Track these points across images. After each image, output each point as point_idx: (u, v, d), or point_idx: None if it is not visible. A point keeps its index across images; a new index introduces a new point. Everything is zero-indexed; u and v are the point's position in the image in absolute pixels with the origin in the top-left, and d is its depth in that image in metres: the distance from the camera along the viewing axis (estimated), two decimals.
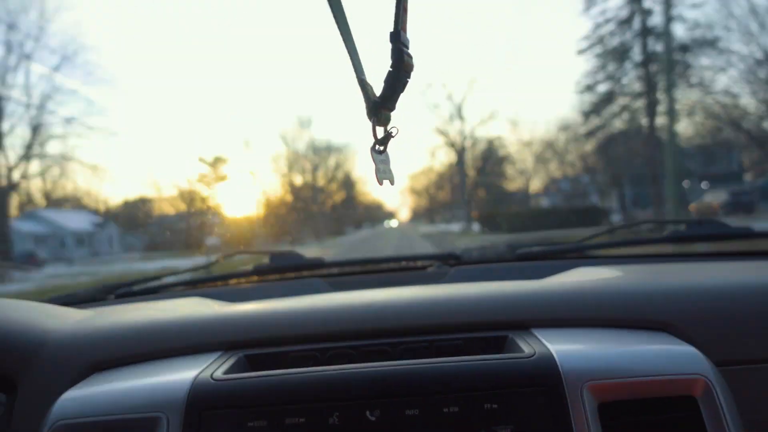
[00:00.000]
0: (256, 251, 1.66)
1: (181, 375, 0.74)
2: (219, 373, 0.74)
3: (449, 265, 1.50)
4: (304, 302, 0.95)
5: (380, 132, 0.67)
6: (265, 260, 1.51)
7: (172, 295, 1.39)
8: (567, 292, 0.90)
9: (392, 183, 0.69)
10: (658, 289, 0.89)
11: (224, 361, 0.79)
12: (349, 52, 0.66)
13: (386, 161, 0.68)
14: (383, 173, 0.67)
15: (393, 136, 0.67)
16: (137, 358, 0.84)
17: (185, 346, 0.84)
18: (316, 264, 1.49)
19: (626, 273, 1.12)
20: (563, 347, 0.73)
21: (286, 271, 1.49)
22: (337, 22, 0.65)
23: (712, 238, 1.43)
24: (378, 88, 0.66)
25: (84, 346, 0.86)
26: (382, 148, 0.67)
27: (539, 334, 0.80)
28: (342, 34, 0.65)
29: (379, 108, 0.65)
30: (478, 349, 0.79)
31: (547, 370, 0.69)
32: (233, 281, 1.49)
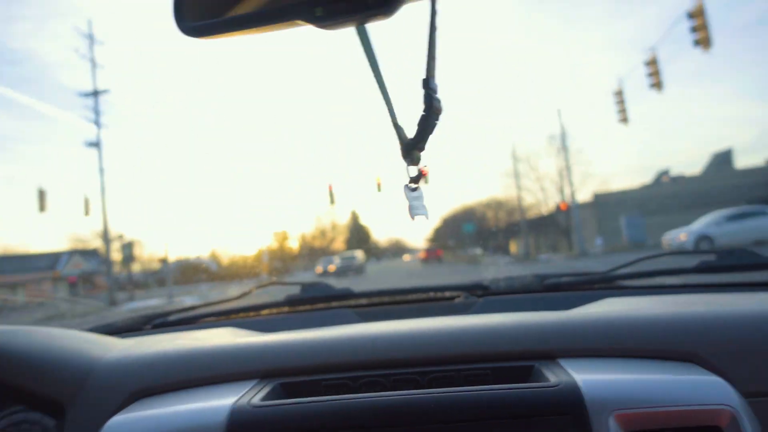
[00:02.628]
0: (287, 282, 1.68)
1: (220, 402, 0.77)
2: (256, 400, 0.76)
3: (477, 295, 1.50)
4: (336, 332, 0.97)
5: (413, 171, 0.70)
6: (297, 291, 1.54)
7: (206, 325, 1.42)
8: (593, 322, 0.91)
9: (427, 218, 0.72)
10: (684, 319, 0.89)
11: (261, 389, 0.81)
12: (384, 99, 0.71)
13: (420, 198, 0.72)
14: (416, 209, 0.71)
15: (426, 175, 0.71)
16: (178, 385, 0.87)
17: (223, 374, 0.88)
18: (345, 295, 1.51)
19: (653, 303, 1.11)
20: (589, 377, 0.74)
21: (316, 302, 1.51)
22: (372, 71, 0.70)
23: (742, 268, 1.40)
24: (409, 132, 0.70)
25: (128, 374, 0.90)
26: (415, 186, 0.71)
27: (565, 364, 0.81)
28: (377, 81, 0.70)
29: (412, 149, 0.69)
30: (505, 379, 0.80)
31: (572, 399, 0.70)
32: (265, 312, 1.52)
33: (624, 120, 18.65)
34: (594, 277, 1.55)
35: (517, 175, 32.62)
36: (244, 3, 0.63)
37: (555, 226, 33.31)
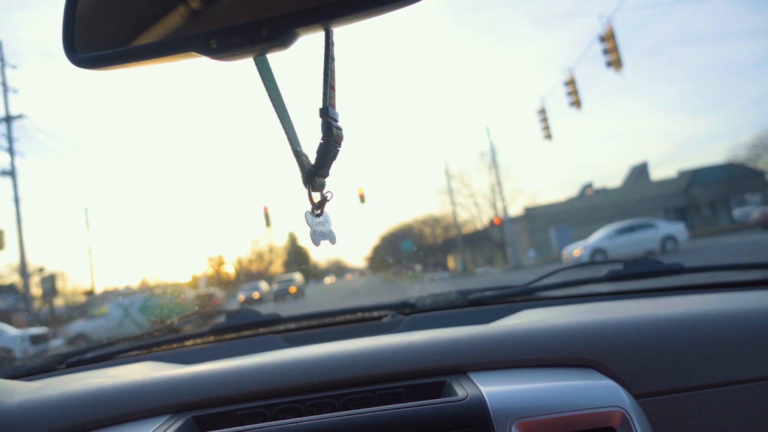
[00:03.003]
0: (211, 311, 1.64)
1: None
2: None
3: (404, 314, 1.52)
4: (254, 360, 0.96)
5: (316, 197, 0.71)
6: (222, 320, 1.50)
7: (125, 361, 1.36)
8: (502, 335, 0.94)
9: (333, 243, 0.73)
10: (584, 327, 0.94)
11: (171, 424, 0.79)
12: (284, 126, 0.71)
13: (325, 223, 0.73)
14: (320, 235, 0.71)
15: (328, 200, 0.72)
16: (87, 426, 0.83)
17: (134, 412, 0.84)
18: (273, 320, 1.49)
19: (562, 314, 1.16)
20: (494, 388, 0.77)
21: (242, 329, 1.48)
22: (272, 99, 0.70)
23: (647, 275, 1.50)
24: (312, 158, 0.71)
25: (32, 420, 0.84)
26: (318, 211, 0.72)
27: (475, 377, 0.83)
28: (277, 110, 0.71)
29: (314, 176, 0.70)
30: (418, 396, 0.82)
31: (477, 412, 0.73)
32: (189, 343, 1.47)
33: (548, 137, 19.74)
34: (514, 290, 1.60)
35: (450, 192, 33.66)
36: (139, 34, 0.63)
37: (490, 240, 34.34)
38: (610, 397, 0.76)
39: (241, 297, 24.90)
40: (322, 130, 0.68)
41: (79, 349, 1.42)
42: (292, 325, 1.53)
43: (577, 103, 16.46)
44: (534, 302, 1.52)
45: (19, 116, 22.07)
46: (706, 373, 0.84)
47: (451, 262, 34.81)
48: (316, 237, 0.71)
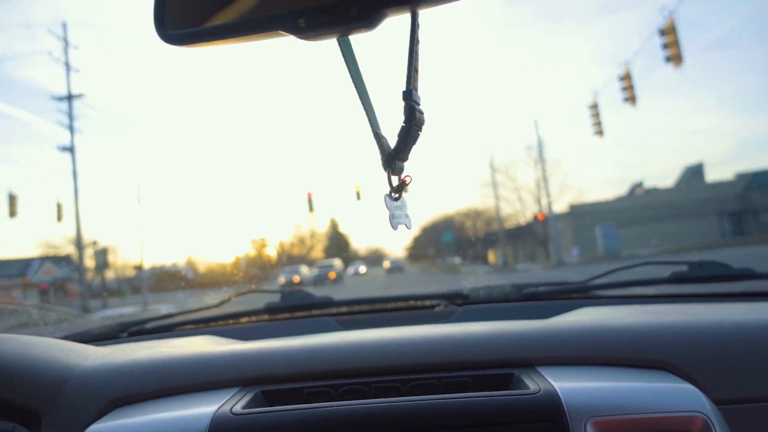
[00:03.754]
0: (267, 290, 1.67)
1: (200, 410, 0.77)
2: (238, 408, 0.76)
3: (457, 304, 1.52)
4: (317, 340, 0.97)
5: (394, 181, 0.71)
6: (276, 299, 1.53)
7: (184, 333, 1.40)
8: (571, 331, 0.92)
9: (408, 227, 0.73)
10: (658, 328, 0.91)
11: (242, 397, 0.81)
12: (365, 109, 0.71)
13: (402, 207, 0.72)
14: (398, 219, 0.71)
15: (407, 184, 0.71)
16: (156, 393, 0.86)
17: (203, 382, 0.87)
18: (326, 303, 1.51)
19: (628, 313, 1.13)
20: (567, 384, 0.76)
21: (296, 310, 1.50)
22: (354, 81, 0.70)
23: (713, 279, 1.44)
24: (392, 141, 0.70)
25: (105, 382, 0.88)
26: (397, 195, 0.71)
27: (544, 372, 0.82)
28: (359, 92, 0.71)
29: (393, 159, 0.69)
30: (485, 387, 0.81)
31: (551, 407, 0.71)
32: (244, 320, 1.50)
33: (599, 132, 19.15)
34: (571, 286, 1.58)
35: (495, 185, 32.98)
36: (227, 12, 0.63)
37: (532, 236, 33.74)
38: (690, 402, 0.73)
39: (282, 280, 24.96)
40: (405, 113, 0.67)
41: (140, 319, 1.48)
42: (344, 309, 1.55)
43: (632, 99, 15.94)
44: (591, 300, 1.49)
45: (80, 95, 23.02)
46: None
47: (492, 257, 34.46)
48: (394, 221, 0.70)
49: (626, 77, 15.98)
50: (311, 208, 23.83)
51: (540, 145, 27.73)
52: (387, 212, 0.70)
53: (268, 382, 0.86)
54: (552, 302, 1.49)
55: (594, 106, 19.07)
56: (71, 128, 22.55)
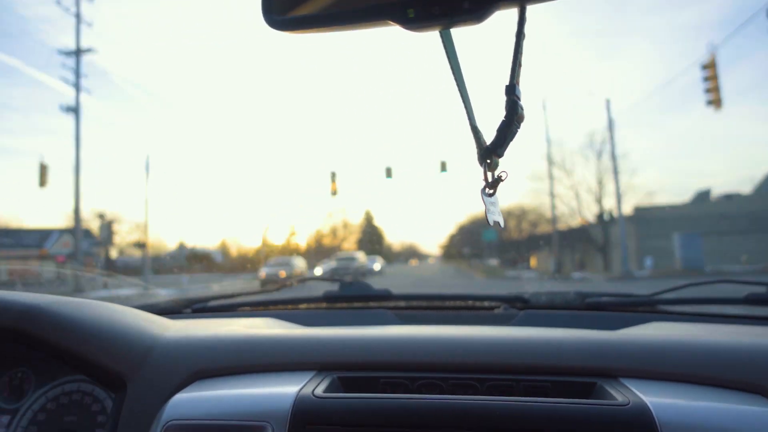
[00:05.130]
0: (326, 278, 1.78)
1: (284, 389, 0.86)
2: (319, 391, 0.85)
3: (517, 308, 1.59)
4: (391, 332, 1.06)
5: (490, 176, 0.75)
6: (335, 288, 1.65)
7: (245, 314, 1.54)
8: (655, 344, 0.97)
9: (501, 226, 0.78)
10: (754, 350, 0.94)
11: (320, 381, 0.90)
12: (463, 101, 0.76)
13: (495, 203, 0.77)
14: (493, 214, 0.76)
15: (503, 180, 0.76)
16: (237, 369, 0.97)
17: (282, 363, 0.97)
18: (384, 296, 1.61)
19: (708, 331, 1.17)
20: (657, 399, 0.80)
21: (354, 300, 1.61)
22: (454, 73, 0.75)
23: None
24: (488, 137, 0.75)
25: (188, 354, 1.00)
26: (492, 191, 0.76)
27: (629, 384, 0.87)
28: (458, 84, 0.75)
29: (491, 154, 0.74)
30: (566, 393, 0.86)
31: (642, 420, 0.75)
32: (303, 306, 1.62)
33: (716, 102, 15.09)
34: (638, 299, 1.62)
35: (551, 178, 30.63)
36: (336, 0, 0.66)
37: (588, 241, 32.20)
38: None
39: (263, 274, 22.62)
40: (506, 107, 0.71)
41: (204, 297, 1.63)
42: (402, 303, 1.63)
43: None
44: (660, 315, 1.52)
45: (89, 50, 22.43)
46: None
47: (534, 261, 33.02)
48: (490, 216, 0.75)
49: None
50: (335, 192, 23.33)
51: (611, 125, 24.88)
52: (484, 207, 0.75)
53: (343, 368, 0.95)
54: (616, 314, 1.55)
55: (710, 65, 15.15)
56: (77, 86, 21.99)
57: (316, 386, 0.87)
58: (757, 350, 0.95)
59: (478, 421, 0.77)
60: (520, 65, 0.72)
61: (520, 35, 0.71)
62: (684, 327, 1.32)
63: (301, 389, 0.86)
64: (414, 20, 0.61)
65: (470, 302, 1.68)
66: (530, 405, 0.79)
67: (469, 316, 1.61)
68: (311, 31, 0.68)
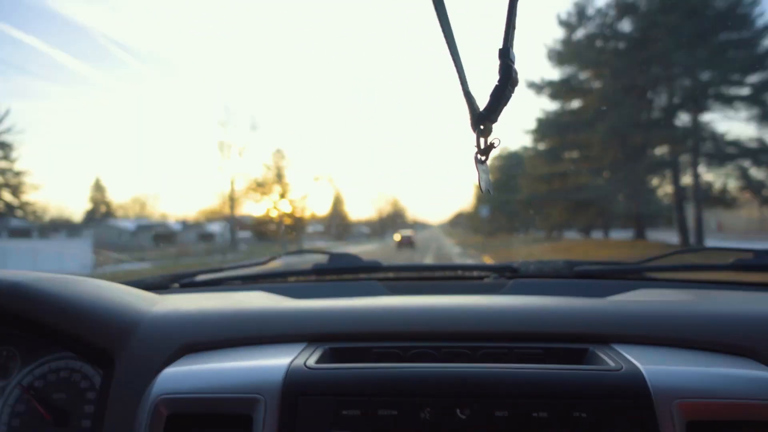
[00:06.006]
0: (315, 250, 1.74)
1: (275, 361, 0.82)
2: (311, 362, 0.81)
3: (506, 277, 1.56)
4: (383, 302, 1.02)
5: (482, 143, 0.72)
6: (323, 260, 1.60)
7: (233, 288, 1.49)
8: (646, 310, 0.95)
9: (491, 192, 0.75)
10: (742, 314, 0.93)
11: (312, 352, 0.86)
12: (456, 66, 0.72)
13: (487, 170, 0.74)
14: (485, 182, 0.73)
15: (495, 147, 0.72)
16: (226, 343, 0.92)
17: (272, 335, 0.93)
18: (373, 267, 1.56)
19: (698, 297, 1.15)
20: (650, 364, 0.78)
21: (344, 273, 1.56)
22: (446, 37, 0.70)
23: None
24: (480, 102, 0.71)
25: (176, 328, 0.95)
26: (484, 158, 0.73)
27: (620, 349, 0.85)
28: (450, 48, 0.71)
29: (484, 119, 0.71)
30: (558, 359, 0.84)
31: (636, 385, 0.74)
32: (292, 278, 1.58)
33: None
34: (625, 267, 1.59)
35: None
36: None
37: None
38: None
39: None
40: (500, 72, 0.68)
41: (191, 271, 1.57)
42: (391, 274, 1.60)
43: None
44: (647, 282, 1.51)
45: None
46: None
47: None
48: (483, 183, 0.72)
49: None
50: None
51: None
52: (476, 174, 0.72)
53: (335, 339, 0.91)
54: (604, 281, 1.52)
55: None
56: None
57: (308, 357, 0.83)
58: (746, 314, 0.93)
59: (473, 387, 0.75)
60: (514, 27, 0.68)
61: None
62: (672, 293, 1.30)
63: (293, 361, 0.82)
64: None
65: (459, 272, 1.65)
66: (524, 371, 0.76)
67: (458, 285, 1.57)
68: None
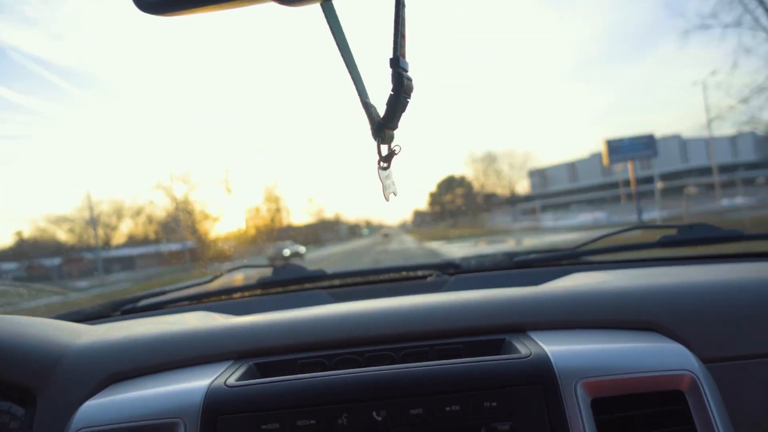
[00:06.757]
0: (259, 265, 1.70)
1: (195, 383, 0.79)
2: (232, 380, 0.79)
3: (449, 274, 1.56)
4: (309, 312, 1.00)
5: (384, 150, 0.71)
6: (269, 273, 1.56)
7: (177, 310, 1.44)
8: (560, 296, 0.95)
9: (395, 194, 0.74)
10: (646, 290, 0.94)
11: (236, 370, 0.83)
12: (352, 77, 0.70)
13: (390, 176, 0.73)
14: (388, 189, 0.72)
15: (396, 154, 0.72)
16: (151, 369, 0.89)
17: (197, 356, 0.89)
18: (318, 276, 1.54)
19: (618, 277, 1.17)
20: (557, 347, 0.78)
21: (289, 284, 1.53)
22: (341, 50, 0.69)
23: (702, 242, 1.48)
24: (381, 110, 0.71)
25: (100, 359, 0.90)
26: (386, 165, 0.72)
27: (535, 336, 0.85)
28: (345, 60, 0.70)
29: (383, 128, 0.70)
30: (477, 353, 0.84)
31: (542, 369, 0.74)
32: (237, 295, 1.53)
33: None
34: (561, 253, 1.61)
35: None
36: None
37: None
38: (678, 361, 0.76)
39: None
40: (393, 80, 0.67)
41: (133, 297, 1.50)
42: (336, 282, 1.57)
43: None
44: (582, 266, 1.53)
45: None
46: None
47: None
48: (387, 190, 0.72)
49: None
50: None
51: None
52: (380, 183, 0.71)
53: (261, 354, 0.89)
54: (543, 269, 1.53)
55: None
56: None
57: (230, 375, 0.81)
58: (650, 290, 0.94)
59: (388, 389, 0.74)
60: (402, 36, 0.67)
61: (399, 4, 0.65)
62: (601, 275, 1.30)
63: (213, 381, 0.79)
64: None
65: (404, 273, 1.63)
66: (437, 368, 0.76)
67: (402, 287, 1.56)
68: (184, 13, 0.60)
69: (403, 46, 0.68)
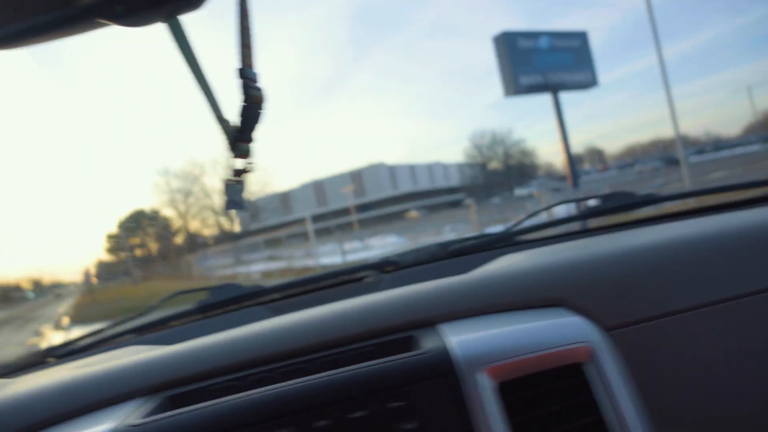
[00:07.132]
0: (195, 289, 1.65)
1: (99, 428, 0.75)
2: (134, 419, 0.75)
3: (386, 272, 1.53)
4: (224, 334, 0.96)
5: (239, 164, 0.70)
6: (206, 296, 1.52)
7: (110, 348, 1.38)
8: (469, 283, 0.94)
9: (243, 209, 0.73)
10: (551, 266, 0.93)
11: (142, 406, 0.80)
12: (204, 93, 0.68)
13: (241, 190, 0.72)
14: (234, 204, 0.71)
15: (249, 171, 0.71)
16: (62, 417, 0.84)
17: (106, 398, 0.85)
18: (256, 292, 1.49)
19: (536, 255, 1.17)
20: (462, 337, 0.77)
21: (227, 305, 1.48)
22: (189, 64, 0.66)
23: (619, 210, 1.48)
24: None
25: (7, 415, 0.85)
26: (237, 179, 0.71)
27: (445, 327, 0.83)
28: (195, 75, 0.67)
29: (237, 141, 0.68)
30: (387, 353, 0.81)
31: (441, 362, 0.72)
32: (175, 323, 1.48)
33: None
34: (494, 236, 1.59)
35: None
36: (34, 6, 0.56)
37: None
38: (577, 333, 0.76)
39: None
40: (241, 92, 0.66)
41: (69, 340, 1.44)
42: (276, 295, 1.53)
43: None
44: (513, 248, 1.51)
45: None
46: (678, 298, 0.84)
47: None
48: (231, 205, 0.71)
49: None
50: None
51: None
52: (225, 197, 0.70)
53: (175, 385, 0.85)
54: (476, 255, 1.51)
55: None
56: None
57: (137, 413, 0.77)
58: (558, 264, 0.93)
59: (291, 404, 0.71)
60: (248, 47, 0.65)
61: (242, 15, 0.63)
62: (527, 254, 1.29)
63: (120, 423, 0.75)
64: (125, 15, 0.53)
65: (342, 276, 1.59)
66: (340, 375, 0.74)
67: (340, 291, 1.53)
68: (18, 47, 0.57)
69: (249, 56, 0.66)
